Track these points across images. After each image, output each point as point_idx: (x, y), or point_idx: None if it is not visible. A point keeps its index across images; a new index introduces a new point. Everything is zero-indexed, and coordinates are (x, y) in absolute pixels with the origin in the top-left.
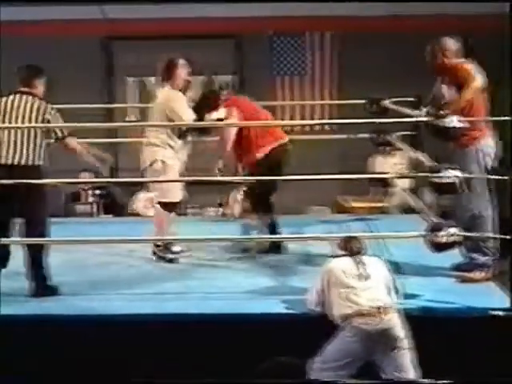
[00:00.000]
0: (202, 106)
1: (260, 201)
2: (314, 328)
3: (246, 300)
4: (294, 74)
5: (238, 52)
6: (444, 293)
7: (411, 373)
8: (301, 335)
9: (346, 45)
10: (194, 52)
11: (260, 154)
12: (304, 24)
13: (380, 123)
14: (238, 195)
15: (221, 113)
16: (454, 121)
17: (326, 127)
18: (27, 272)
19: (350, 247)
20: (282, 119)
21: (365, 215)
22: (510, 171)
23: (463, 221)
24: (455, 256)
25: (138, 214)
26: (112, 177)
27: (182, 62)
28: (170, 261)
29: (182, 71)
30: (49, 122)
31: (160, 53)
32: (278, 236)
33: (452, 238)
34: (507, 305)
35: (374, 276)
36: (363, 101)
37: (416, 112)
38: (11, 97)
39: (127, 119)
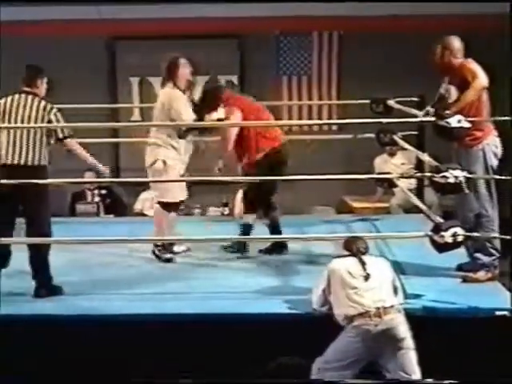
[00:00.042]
0: (206, 101)
1: (260, 201)
2: (317, 328)
3: (249, 300)
4: (300, 73)
5: (242, 52)
6: (448, 293)
7: (414, 373)
8: (304, 335)
9: (350, 45)
10: (198, 52)
11: (260, 155)
12: (309, 24)
13: (385, 123)
14: None
15: (220, 113)
16: (458, 120)
17: (334, 127)
18: (32, 272)
19: (354, 247)
20: (289, 119)
21: (370, 215)
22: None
23: (467, 221)
24: (459, 256)
25: (142, 214)
26: (115, 177)
27: (183, 61)
28: (167, 260)
29: (184, 71)
30: (51, 122)
31: (163, 53)
32: (280, 236)
33: (456, 238)
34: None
35: (377, 276)
36: (368, 101)
37: (421, 112)
38: (13, 97)
39: (132, 119)
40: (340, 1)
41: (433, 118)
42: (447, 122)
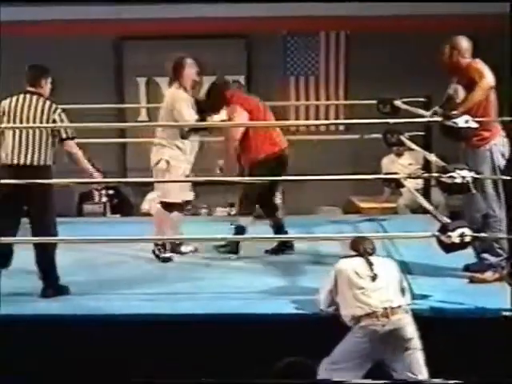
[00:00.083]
0: (211, 97)
1: (259, 202)
2: (324, 328)
3: (255, 300)
4: (308, 74)
5: (249, 52)
6: (455, 293)
7: (421, 373)
8: (311, 336)
9: (357, 45)
10: (205, 52)
11: (261, 155)
12: (316, 24)
13: (392, 123)
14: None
15: (222, 115)
16: (465, 121)
17: (341, 127)
18: (39, 272)
19: (361, 247)
20: (297, 119)
21: (377, 215)
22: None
23: (474, 221)
24: (466, 256)
25: (149, 214)
26: (121, 177)
27: (189, 61)
28: (166, 260)
29: (190, 71)
30: (55, 122)
31: (170, 53)
32: (287, 236)
33: (463, 239)
34: None
35: (384, 277)
36: (375, 101)
37: (428, 112)
38: (18, 97)
39: (139, 119)
40: (347, 0)
41: (440, 119)
42: (454, 123)
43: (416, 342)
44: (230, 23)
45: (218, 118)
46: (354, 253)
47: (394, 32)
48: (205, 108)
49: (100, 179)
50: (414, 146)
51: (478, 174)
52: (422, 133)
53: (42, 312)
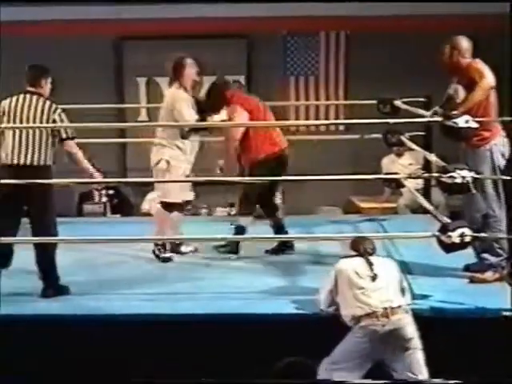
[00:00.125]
0: (211, 97)
1: (259, 202)
2: (324, 328)
3: (255, 300)
4: (307, 74)
5: (249, 52)
6: (455, 293)
7: (421, 373)
8: (311, 336)
9: (357, 45)
10: (205, 52)
11: (261, 155)
12: (316, 24)
13: (392, 123)
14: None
15: (222, 115)
16: (465, 121)
17: (341, 127)
18: (39, 272)
19: (361, 248)
20: (297, 119)
21: (377, 215)
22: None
23: (474, 221)
24: (466, 256)
25: (149, 214)
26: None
27: (189, 61)
28: (165, 260)
29: (190, 71)
30: (55, 122)
31: (171, 53)
32: (287, 236)
33: (463, 239)
34: None
35: (384, 277)
36: (375, 101)
37: (428, 112)
38: (18, 97)
39: (139, 119)
40: (347, 0)
41: (440, 119)
42: (455, 123)
43: (416, 342)
44: (230, 23)
45: (218, 119)
46: (354, 253)
47: (394, 32)
48: (205, 108)
49: (100, 179)
50: (414, 146)
51: (478, 174)
52: (422, 133)
53: (42, 312)
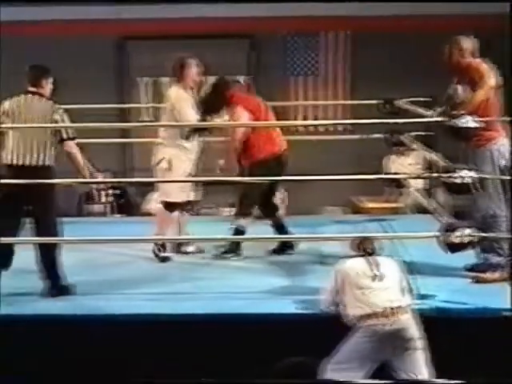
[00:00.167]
0: (213, 96)
1: (257, 203)
2: (326, 328)
3: (257, 300)
4: (308, 74)
5: (250, 52)
6: (458, 293)
7: (424, 373)
8: (314, 336)
9: (357, 44)
10: (207, 52)
11: (261, 156)
12: (316, 24)
13: (394, 123)
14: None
15: (224, 119)
16: (468, 121)
17: (340, 128)
18: (41, 272)
19: (364, 248)
20: (296, 119)
21: (379, 215)
22: None
23: (477, 221)
24: (469, 256)
25: (151, 214)
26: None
27: (191, 61)
28: (164, 259)
29: (192, 71)
30: (56, 122)
31: (174, 53)
32: (290, 236)
33: (466, 239)
34: None
35: (387, 276)
36: (376, 101)
37: (430, 112)
38: (19, 97)
39: (141, 119)
40: (348, 1)
41: (442, 119)
42: (456, 123)
43: (418, 342)
44: (232, 23)
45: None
46: (356, 253)
47: (394, 32)
48: (206, 108)
49: (101, 179)
50: (415, 146)
51: (479, 174)
52: (424, 133)
53: (44, 312)
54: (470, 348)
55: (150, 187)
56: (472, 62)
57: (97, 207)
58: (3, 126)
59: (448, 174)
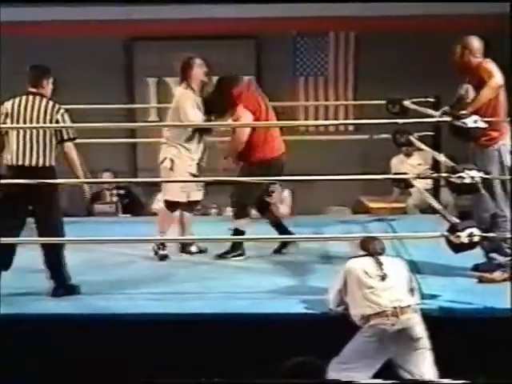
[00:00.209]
0: (219, 90)
1: (251, 203)
2: (333, 328)
3: (264, 300)
4: (317, 74)
5: (258, 53)
6: (464, 293)
7: (430, 373)
8: (320, 335)
9: (366, 45)
10: (215, 52)
11: (258, 158)
12: (325, 24)
13: (402, 123)
14: (284, 193)
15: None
16: (474, 121)
17: (350, 127)
18: (47, 272)
19: (371, 247)
20: (306, 119)
21: (386, 216)
22: None
23: (483, 221)
24: (475, 256)
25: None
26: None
27: (198, 61)
28: (162, 258)
29: (198, 71)
30: (58, 122)
31: (182, 53)
32: (297, 236)
33: (472, 239)
34: None
35: (394, 276)
36: (384, 101)
37: (437, 112)
38: (20, 98)
39: (149, 119)
40: (356, 1)
41: (449, 119)
42: (463, 123)
43: (425, 342)
44: (240, 24)
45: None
46: (363, 252)
47: (403, 32)
48: (210, 107)
49: (108, 179)
50: (423, 146)
51: (486, 173)
52: (431, 133)
53: (49, 311)
54: (475, 348)
55: (154, 187)
56: (482, 61)
57: (104, 207)
58: (4, 126)
59: (457, 175)
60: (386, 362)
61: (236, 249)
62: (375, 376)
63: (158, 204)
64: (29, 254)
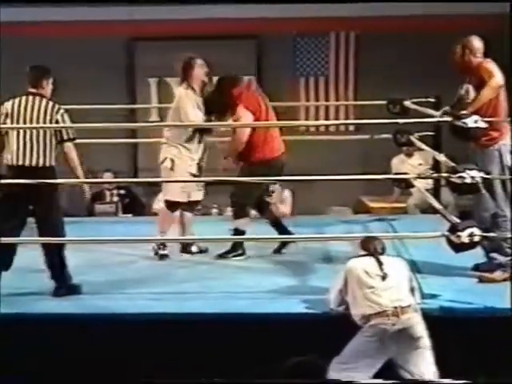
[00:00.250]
0: (219, 90)
1: (249, 202)
2: (334, 328)
3: (264, 300)
4: (317, 74)
5: (259, 53)
6: (464, 293)
7: (431, 372)
8: (321, 335)
9: (367, 45)
10: (215, 53)
11: (259, 156)
12: (326, 25)
13: (402, 123)
14: (285, 193)
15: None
16: (475, 121)
17: (350, 127)
18: (48, 272)
19: (371, 247)
20: (306, 119)
21: (387, 215)
22: None
23: (483, 221)
24: (475, 256)
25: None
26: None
27: (198, 62)
28: (162, 257)
29: (199, 71)
30: (57, 122)
31: (183, 53)
32: (298, 236)
33: (472, 238)
34: None
35: (394, 276)
36: (384, 101)
37: (437, 112)
38: (20, 98)
39: (150, 119)
40: (357, 1)
41: (449, 119)
42: (464, 123)
43: (425, 341)
44: (240, 24)
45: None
46: (364, 252)
47: (403, 32)
48: (211, 107)
49: (109, 179)
50: (423, 146)
51: (486, 173)
52: (432, 133)
53: (51, 311)
54: (475, 348)
55: (155, 187)
56: (482, 61)
57: (105, 207)
58: (4, 126)
59: (458, 175)
60: (386, 361)
61: (236, 248)
62: (376, 376)
63: (158, 204)
64: (30, 253)
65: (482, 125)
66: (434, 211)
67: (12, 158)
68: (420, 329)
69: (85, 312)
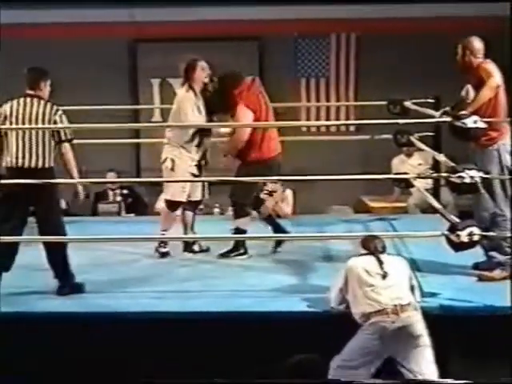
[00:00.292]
0: (221, 87)
1: (247, 200)
2: (335, 326)
3: (266, 298)
4: (318, 75)
5: (260, 54)
6: (464, 291)
7: (431, 370)
8: (322, 333)
9: (367, 46)
10: (217, 54)
11: (257, 155)
12: (327, 26)
13: (402, 124)
14: (286, 193)
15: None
16: (474, 121)
17: (351, 128)
18: (52, 271)
19: (372, 246)
20: (308, 120)
21: (387, 215)
22: None
23: (483, 220)
24: (475, 255)
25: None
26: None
27: (201, 64)
28: (163, 255)
29: (201, 73)
30: (56, 123)
31: (184, 55)
32: (300, 235)
33: (472, 237)
34: None
35: (394, 274)
36: (385, 102)
37: (437, 113)
38: (18, 100)
39: (153, 120)
40: (358, 3)
41: (449, 119)
42: (463, 123)
43: (425, 340)
44: (242, 26)
45: (223, 131)
46: (364, 251)
47: (404, 34)
48: (213, 107)
49: (112, 179)
50: (423, 147)
51: (486, 173)
52: (432, 133)
53: (54, 310)
54: (475, 346)
55: (158, 187)
56: (482, 62)
57: (108, 207)
58: (3, 127)
59: (457, 174)
60: (386, 358)
61: (238, 248)
62: (375, 373)
63: (160, 203)
64: (33, 252)
65: (482, 125)
66: (434, 211)
67: (11, 160)
68: (420, 327)
69: (88, 311)
